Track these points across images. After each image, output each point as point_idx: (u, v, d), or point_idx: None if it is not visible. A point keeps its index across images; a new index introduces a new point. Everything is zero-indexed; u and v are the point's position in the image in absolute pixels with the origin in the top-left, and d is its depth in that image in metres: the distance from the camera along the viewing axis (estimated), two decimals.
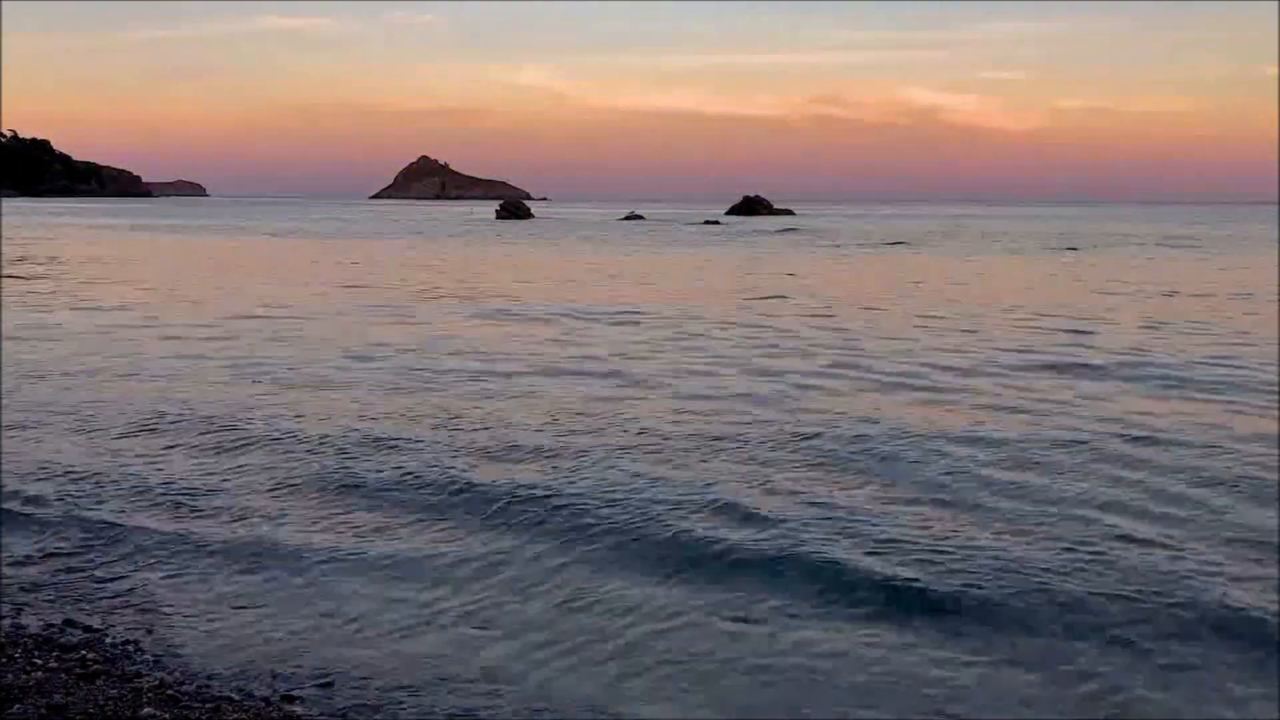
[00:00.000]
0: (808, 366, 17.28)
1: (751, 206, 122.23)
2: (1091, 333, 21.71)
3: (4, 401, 13.89)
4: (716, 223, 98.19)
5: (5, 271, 35.06)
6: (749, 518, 9.21)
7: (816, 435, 12.19)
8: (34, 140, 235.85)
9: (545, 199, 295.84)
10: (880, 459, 11.21)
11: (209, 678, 6.33)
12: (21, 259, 42.04)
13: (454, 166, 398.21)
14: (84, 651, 6.60)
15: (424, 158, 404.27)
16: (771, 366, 17.25)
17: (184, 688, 6.15)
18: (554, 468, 10.84)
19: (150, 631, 7.00)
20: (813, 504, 9.64)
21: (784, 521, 9.08)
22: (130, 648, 6.72)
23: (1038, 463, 11.09)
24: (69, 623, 7.09)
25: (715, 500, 9.66)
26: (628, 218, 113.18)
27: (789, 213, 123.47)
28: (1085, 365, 17.40)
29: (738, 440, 12.00)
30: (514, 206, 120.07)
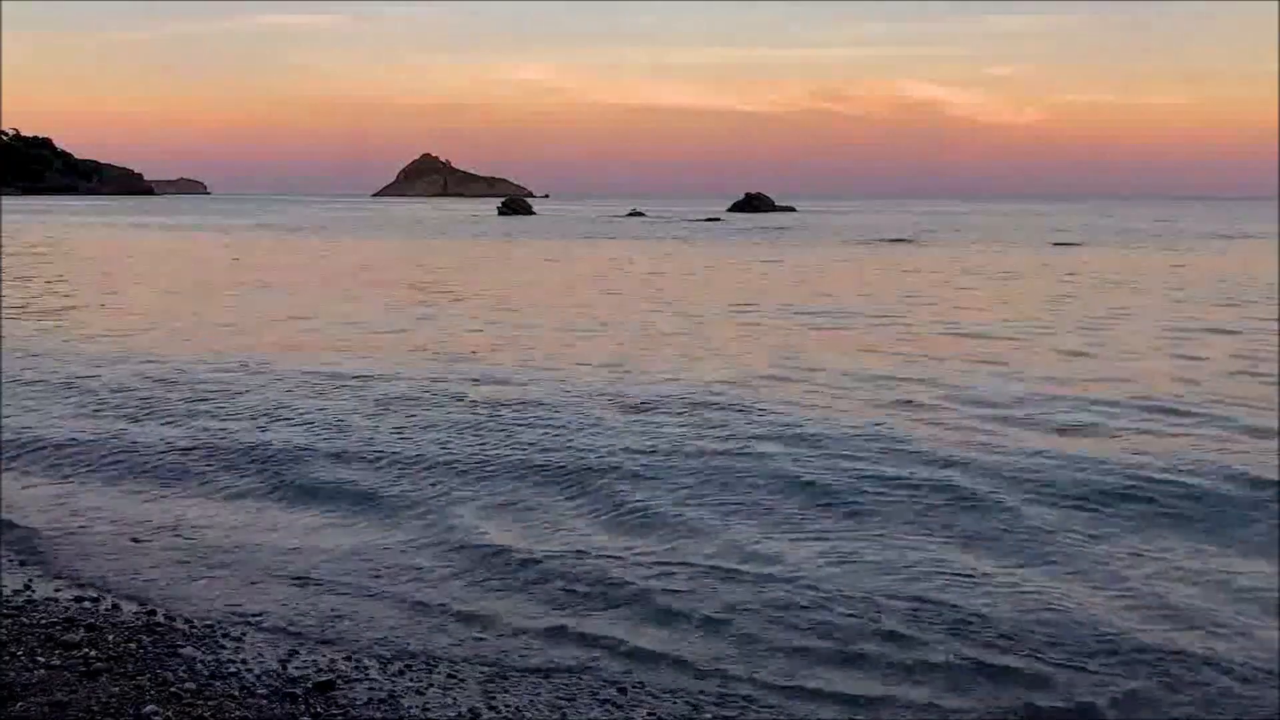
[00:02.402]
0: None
1: (753, 203, 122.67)
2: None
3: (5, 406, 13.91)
4: (718, 219, 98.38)
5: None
6: None
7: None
8: (35, 138, 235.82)
9: (547, 196, 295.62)
10: None
11: (211, 676, 6.34)
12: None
13: (455, 164, 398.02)
14: (87, 649, 6.61)
15: (426, 155, 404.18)
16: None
17: (186, 685, 6.17)
18: None
19: (152, 630, 7.02)
20: None
21: None
22: (133, 646, 6.73)
23: None
24: (71, 621, 7.11)
25: None
26: (630, 214, 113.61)
27: (790, 209, 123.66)
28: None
29: None
30: (515, 204, 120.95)
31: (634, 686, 6.40)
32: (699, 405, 13.64)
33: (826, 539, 8.78)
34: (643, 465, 10.85)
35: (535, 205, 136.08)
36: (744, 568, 8.17)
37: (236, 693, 6.14)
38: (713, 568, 8.17)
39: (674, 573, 8.06)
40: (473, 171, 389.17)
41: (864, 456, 11.05)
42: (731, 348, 19.24)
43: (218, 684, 6.24)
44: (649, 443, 11.68)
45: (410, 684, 6.36)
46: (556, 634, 7.09)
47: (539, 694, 6.30)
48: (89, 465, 11.07)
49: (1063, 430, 12.36)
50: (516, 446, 11.62)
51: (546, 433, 12.22)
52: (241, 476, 10.70)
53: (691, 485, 10.16)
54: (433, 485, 10.34)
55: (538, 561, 8.31)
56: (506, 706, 6.12)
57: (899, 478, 10.32)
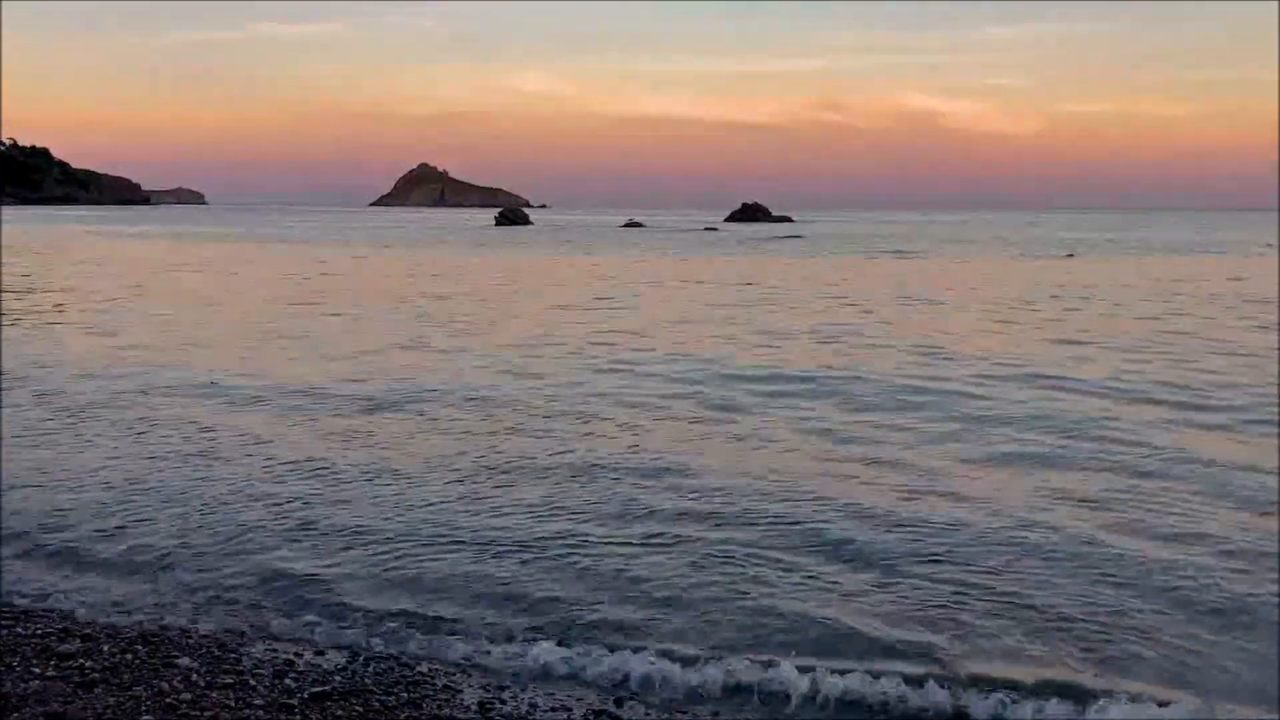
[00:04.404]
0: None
1: (750, 213, 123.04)
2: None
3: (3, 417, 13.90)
4: (714, 229, 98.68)
5: None
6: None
7: None
8: (33, 148, 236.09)
9: (545, 206, 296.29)
10: None
11: (207, 687, 6.33)
12: None
13: (453, 173, 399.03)
14: (82, 660, 6.61)
15: (423, 165, 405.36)
16: None
17: (182, 696, 6.16)
18: None
19: (148, 641, 7.02)
20: None
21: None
22: (129, 656, 6.73)
23: None
24: (67, 632, 7.10)
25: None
26: (627, 225, 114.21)
27: (787, 219, 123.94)
28: None
29: None
30: (513, 214, 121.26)
31: (630, 698, 6.41)
32: None
33: None
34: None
35: (533, 215, 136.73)
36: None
37: (232, 703, 6.13)
38: None
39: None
40: (470, 181, 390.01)
41: None
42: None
43: (214, 694, 6.23)
44: None
45: (407, 695, 6.35)
46: (554, 644, 7.07)
47: (536, 703, 6.30)
48: (91, 478, 11.05)
49: None
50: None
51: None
52: (246, 484, 10.68)
53: None
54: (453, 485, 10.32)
55: (536, 570, 8.31)
56: (504, 718, 6.11)
57: None
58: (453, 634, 7.21)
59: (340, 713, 6.09)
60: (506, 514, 9.71)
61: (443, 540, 9.00)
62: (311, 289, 34.51)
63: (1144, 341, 21.47)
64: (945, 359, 19.10)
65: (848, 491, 10.39)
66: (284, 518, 9.60)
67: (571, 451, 11.95)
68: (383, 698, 6.30)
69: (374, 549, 8.80)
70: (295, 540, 9.01)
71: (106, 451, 11.94)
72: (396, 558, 8.61)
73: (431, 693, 6.41)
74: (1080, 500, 10.12)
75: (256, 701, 6.18)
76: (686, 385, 16.20)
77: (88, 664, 6.56)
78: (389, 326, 24.02)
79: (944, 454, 11.96)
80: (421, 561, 8.53)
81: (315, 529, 9.29)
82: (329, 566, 8.45)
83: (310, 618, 7.49)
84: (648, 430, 13.12)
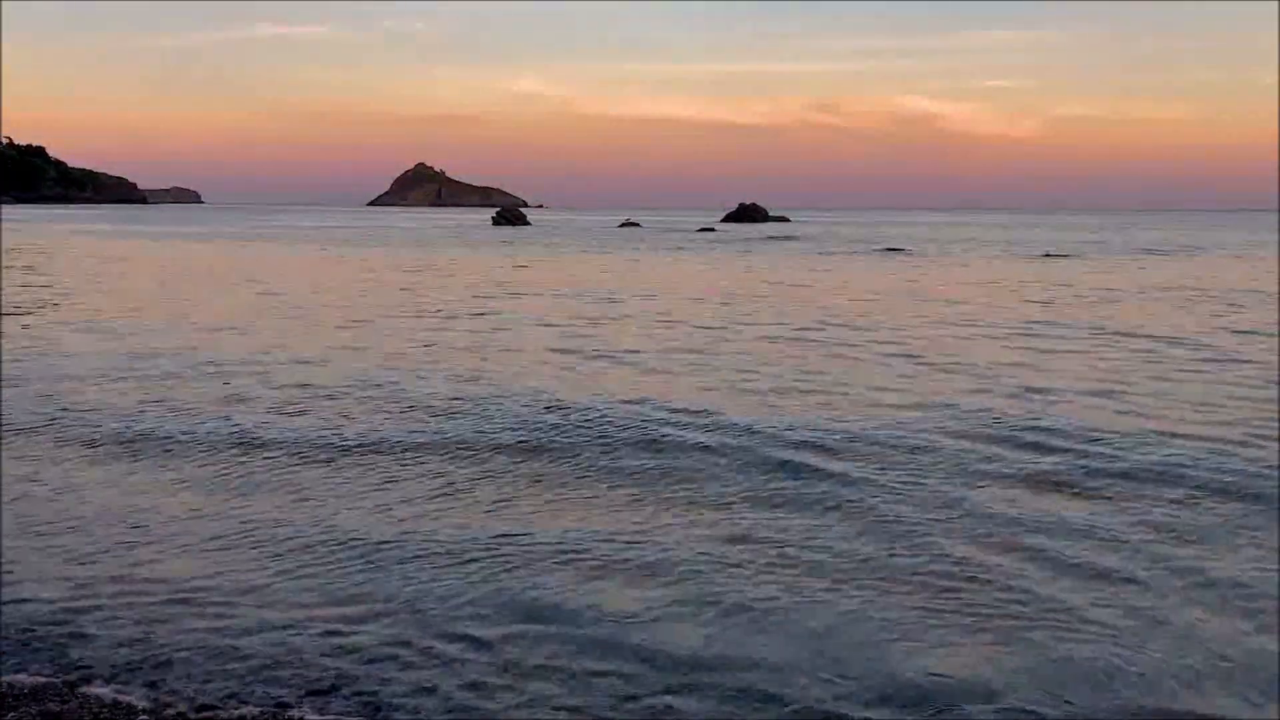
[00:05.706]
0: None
1: (747, 214, 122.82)
2: None
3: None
4: (710, 229, 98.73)
5: None
6: None
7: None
8: (29, 147, 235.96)
9: (542, 206, 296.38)
10: None
11: (204, 687, 6.36)
12: None
13: (450, 174, 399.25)
14: (79, 660, 6.63)
15: (420, 165, 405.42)
16: None
17: (179, 696, 6.19)
18: None
19: (145, 641, 7.04)
20: None
21: None
22: (125, 651, 6.75)
23: None
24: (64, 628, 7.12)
25: None
26: (624, 225, 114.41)
27: (784, 220, 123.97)
28: None
29: None
30: (510, 214, 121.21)
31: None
32: None
33: None
34: None
35: (530, 215, 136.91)
36: None
37: (229, 704, 6.15)
38: None
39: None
40: (467, 181, 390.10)
41: None
42: None
43: (210, 694, 6.24)
44: None
45: (403, 697, 6.37)
46: (544, 660, 7.10)
47: (520, 700, 6.32)
48: (86, 479, 11.06)
49: None
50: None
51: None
52: (242, 490, 10.70)
53: None
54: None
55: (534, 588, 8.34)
56: None
57: None
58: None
59: (338, 708, 6.12)
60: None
61: (427, 551, 9.04)
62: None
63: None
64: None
65: None
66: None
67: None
68: (379, 692, 6.32)
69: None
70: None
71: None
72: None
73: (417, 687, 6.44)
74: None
75: (254, 703, 6.20)
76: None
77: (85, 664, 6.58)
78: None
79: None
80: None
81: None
82: None
83: (307, 620, 7.51)
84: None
